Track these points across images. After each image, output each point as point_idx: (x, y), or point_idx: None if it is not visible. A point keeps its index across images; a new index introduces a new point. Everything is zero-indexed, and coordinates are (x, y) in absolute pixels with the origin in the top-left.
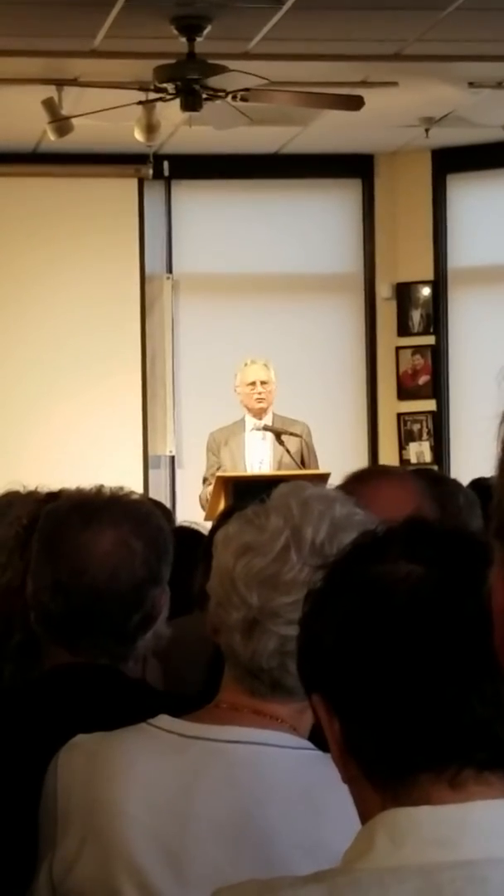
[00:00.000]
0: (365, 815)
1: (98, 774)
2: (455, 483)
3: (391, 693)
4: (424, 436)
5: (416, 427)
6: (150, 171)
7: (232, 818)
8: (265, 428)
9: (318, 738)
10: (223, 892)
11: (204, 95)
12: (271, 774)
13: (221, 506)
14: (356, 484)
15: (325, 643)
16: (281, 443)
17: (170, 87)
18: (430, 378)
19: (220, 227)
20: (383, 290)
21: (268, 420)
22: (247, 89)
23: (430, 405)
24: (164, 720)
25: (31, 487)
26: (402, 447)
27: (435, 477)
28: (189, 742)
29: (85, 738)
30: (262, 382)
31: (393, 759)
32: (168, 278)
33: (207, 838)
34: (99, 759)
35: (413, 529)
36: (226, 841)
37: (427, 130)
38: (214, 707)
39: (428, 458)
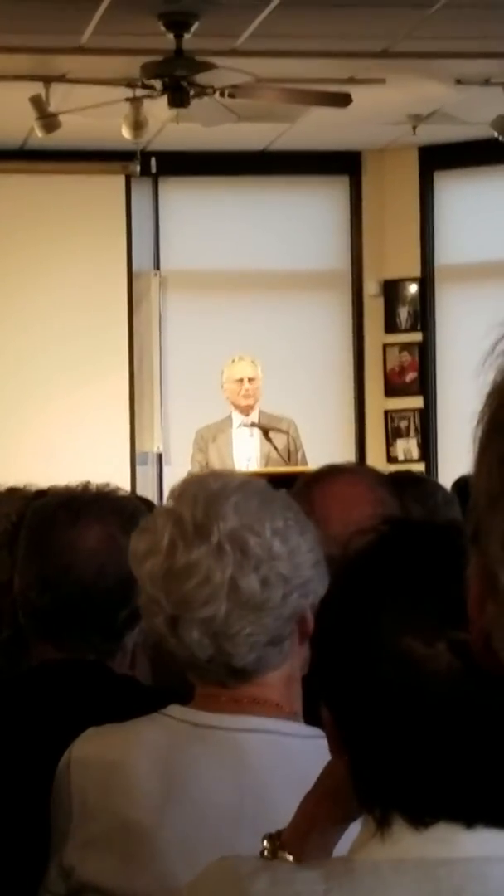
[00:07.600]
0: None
1: (114, 765)
2: (433, 482)
3: (420, 773)
4: (412, 433)
5: (403, 424)
6: (138, 168)
7: (248, 806)
8: (253, 425)
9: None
10: (229, 860)
11: (191, 92)
12: (286, 763)
13: None
14: (307, 486)
15: (353, 702)
16: (269, 439)
17: (157, 83)
18: (417, 375)
19: (208, 223)
20: (370, 287)
21: (254, 417)
22: (234, 86)
23: (417, 402)
24: (175, 710)
25: (21, 485)
26: (389, 444)
27: (413, 478)
28: (204, 731)
29: (98, 731)
30: (250, 379)
31: (411, 812)
32: (156, 275)
33: (223, 827)
34: (114, 751)
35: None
36: (242, 830)
37: (414, 127)
38: (210, 698)
39: (415, 454)
